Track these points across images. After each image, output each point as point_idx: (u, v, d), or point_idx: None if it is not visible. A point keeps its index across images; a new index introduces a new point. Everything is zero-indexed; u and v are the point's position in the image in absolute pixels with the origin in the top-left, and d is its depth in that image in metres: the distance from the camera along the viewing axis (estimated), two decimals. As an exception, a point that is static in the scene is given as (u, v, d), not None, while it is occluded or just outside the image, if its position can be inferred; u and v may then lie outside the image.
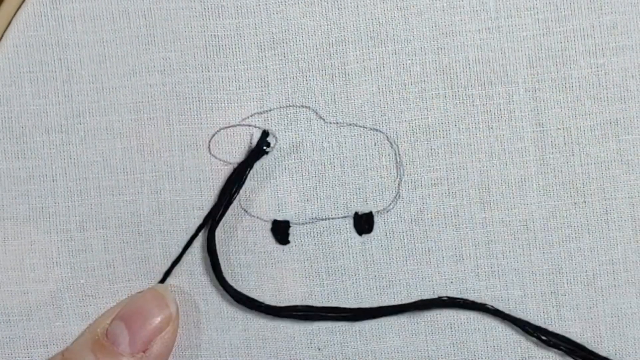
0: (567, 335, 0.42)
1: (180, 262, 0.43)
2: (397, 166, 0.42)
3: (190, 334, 0.43)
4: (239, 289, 0.42)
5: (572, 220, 0.42)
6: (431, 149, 0.42)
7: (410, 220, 0.42)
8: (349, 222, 0.42)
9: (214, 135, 0.42)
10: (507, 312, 0.42)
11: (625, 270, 0.42)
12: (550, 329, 0.42)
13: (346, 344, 0.43)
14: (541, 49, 0.42)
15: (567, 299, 0.42)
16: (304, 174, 0.42)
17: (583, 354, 0.42)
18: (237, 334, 0.43)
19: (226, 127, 0.42)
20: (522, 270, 0.42)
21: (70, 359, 0.41)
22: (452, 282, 0.42)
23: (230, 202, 0.42)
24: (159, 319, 0.41)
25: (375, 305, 0.43)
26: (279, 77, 0.42)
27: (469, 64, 0.42)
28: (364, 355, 0.43)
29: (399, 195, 0.42)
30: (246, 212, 0.42)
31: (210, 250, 0.42)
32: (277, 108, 0.42)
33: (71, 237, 0.43)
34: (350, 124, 0.42)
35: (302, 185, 0.42)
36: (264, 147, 0.42)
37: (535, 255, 0.42)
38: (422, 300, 0.42)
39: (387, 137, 0.42)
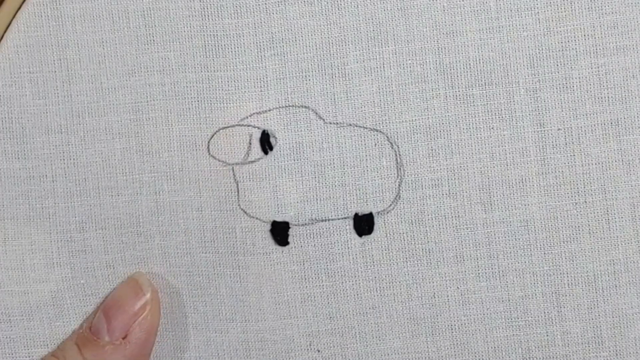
0: (567, 335, 0.42)
1: (179, 263, 0.43)
2: (397, 167, 0.42)
3: (189, 336, 0.43)
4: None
5: (573, 220, 0.42)
6: (432, 150, 0.42)
7: (410, 221, 0.42)
8: (349, 223, 0.42)
9: (213, 136, 0.42)
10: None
11: (626, 271, 0.42)
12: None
13: (346, 346, 0.43)
14: (542, 49, 0.42)
15: (568, 299, 0.42)
16: (303, 174, 0.42)
17: None
18: (236, 336, 0.43)
19: (225, 127, 0.42)
20: (523, 270, 0.42)
21: (57, 355, 0.42)
22: (452, 283, 0.42)
23: None
24: (135, 305, 0.42)
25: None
26: (278, 77, 0.42)
27: (470, 64, 0.42)
28: (364, 357, 0.43)
29: (400, 196, 0.42)
30: (245, 212, 0.42)
31: None
32: (277, 108, 0.42)
33: (71, 237, 0.43)
34: (351, 125, 0.42)
35: (301, 186, 0.42)
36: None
37: (536, 255, 0.42)
38: None
39: (387, 137, 0.42)
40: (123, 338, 0.41)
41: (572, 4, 0.41)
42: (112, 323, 0.41)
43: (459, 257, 0.42)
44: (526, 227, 0.42)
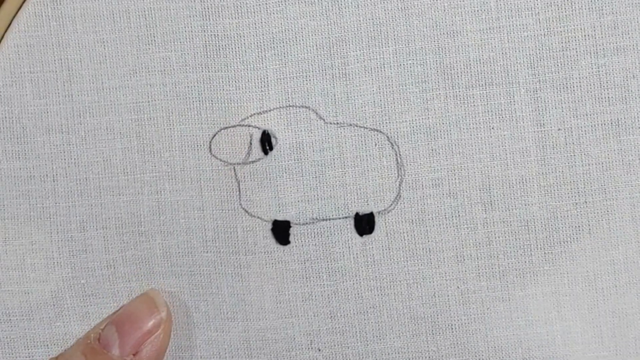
0: (567, 335, 0.42)
1: (180, 263, 0.43)
2: (397, 166, 0.42)
3: (190, 335, 0.43)
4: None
5: (573, 220, 0.42)
6: (432, 150, 0.42)
7: (411, 220, 0.42)
8: (350, 223, 0.42)
9: (214, 135, 0.42)
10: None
11: (626, 271, 0.42)
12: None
13: (347, 345, 0.43)
14: (542, 49, 0.42)
15: (568, 299, 0.42)
16: (304, 174, 0.42)
17: None
18: (237, 335, 0.43)
19: (227, 127, 0.42)
20: (523, 270, 0.42)
21: None
22: (453, 283, 0.42)
23: None
24: (149, 323, 0.41)
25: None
26: (279, 77, 0.42)
27: (470, 64, 0.42)
28: (364, 356, 0.43)
29: (400, 196, 0.42)
30: (246, 212, 0.42)
31: None
32: (277, 108, 0.42)
33: (72, 237, 0.43)
34: (351, 124, 0.42)
35: (302, 186, 0.42)
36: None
37: (536, 255, 0.42)
38: None
39: (387, 137, 0.42)
40: (134, 354, 0.41)
41: (572, 4, 0.41)
42: (124, 338, 0.41)
43: (459, 256, 0.42)
44: (526, 226, 0.42)
